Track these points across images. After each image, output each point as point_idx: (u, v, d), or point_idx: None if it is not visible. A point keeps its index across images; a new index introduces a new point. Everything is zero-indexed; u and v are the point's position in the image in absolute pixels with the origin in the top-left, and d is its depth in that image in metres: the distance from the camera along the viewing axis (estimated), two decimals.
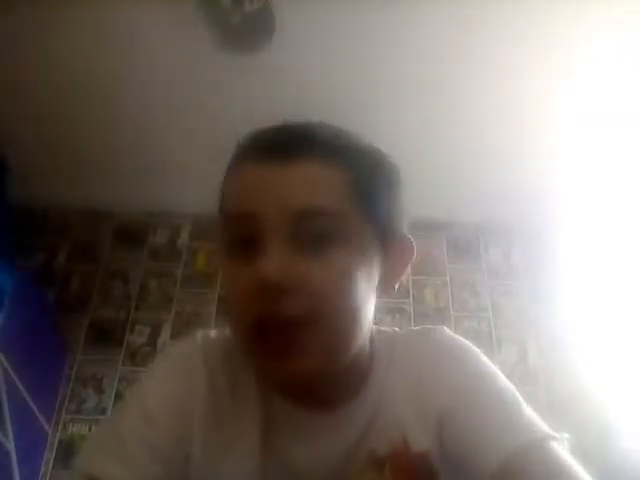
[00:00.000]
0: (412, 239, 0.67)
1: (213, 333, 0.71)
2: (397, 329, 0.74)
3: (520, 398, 0.63)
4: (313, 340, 0.56)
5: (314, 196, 0.57)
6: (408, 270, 0.67)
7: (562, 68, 1.99)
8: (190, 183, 2.54)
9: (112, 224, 2.75)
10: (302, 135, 0.60)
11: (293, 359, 0.56)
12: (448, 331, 0.71)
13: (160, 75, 2.07)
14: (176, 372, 0.67)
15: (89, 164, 2.47)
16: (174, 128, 2.26)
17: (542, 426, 0.60)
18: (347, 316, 0.58)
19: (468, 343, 0.69)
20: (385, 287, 0.64)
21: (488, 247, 2.77)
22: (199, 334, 0.71)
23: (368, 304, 0.61)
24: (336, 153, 0.59)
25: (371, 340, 0.69)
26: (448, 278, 2.68)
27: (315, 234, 0.56)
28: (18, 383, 1.99)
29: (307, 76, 2.05)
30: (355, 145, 0.63)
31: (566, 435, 2.13)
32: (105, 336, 2.47)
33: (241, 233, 0.58)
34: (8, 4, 1.81)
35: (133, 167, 2.49)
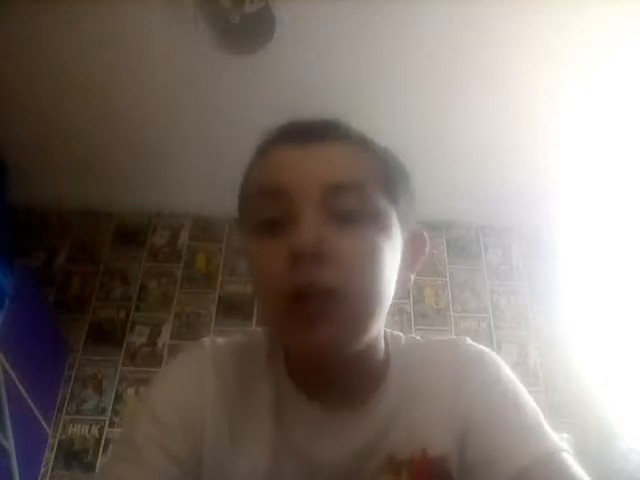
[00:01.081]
0: (426, 235, 0.69)
1: (221, 338, 0.72)
2: (418, 337, 0.75)
3: (538, 410, 0.63)
4: (341, 312, 0.56)
5: (350, 172, 0.59)
6: (421, 265, 0.69)
7: (562, 69, 1.99)
8: (190, 183, 2.55)
9: (112, 224, 2.75)
10: (337, 124, 0.63)
11: (320, 328, 0.56)
12: (470, 341, 0.71)
13: (160, 75, 2.07)
14: (184, 377, 0.67)
15: (89, 165, 2.47)
16: (174, 129, 2.26)
17: (555, 439, 0.60)
18: (373, 291, 0.59)
19: (490, 352, 0.70)
20: (401, 281, 0.65)
21: (488, 247, 2.77)
22: (206, 339, 0.71)
23: (391, 287, 0.62)
24: (368, 143, 0.63)
25: (385, 340, 0.70)
26: (448, 278, 2.68)
27: (348, 209, 0.58)
28: (18, 383, 1.99)
29: (307, 76, 2.05)
30: (378, 142, 0.66)
31: (566, 435, 2.13)
32: (105, 336, 2.47)
33: (271, 211, 0.59)
34: (6, 4, 1.82)
35: (133, 168, 2.49)
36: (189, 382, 0.66)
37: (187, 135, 2.30)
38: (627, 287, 2.35)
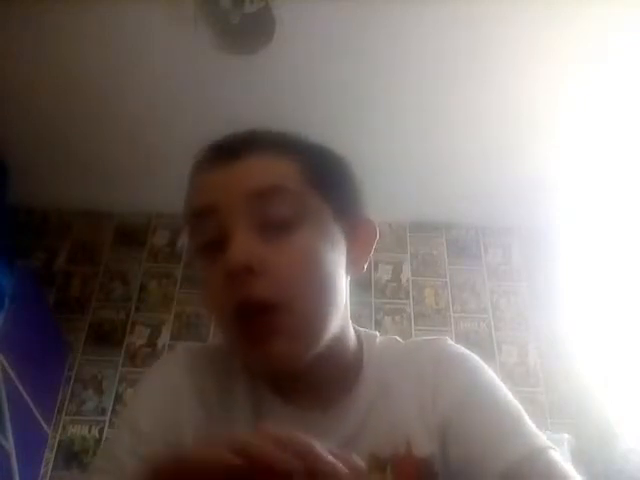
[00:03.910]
0: (374, 221, 0.69)
1: (196, 344, 0.72)
2: (399, 339, 0.75)
3: (521, 409, 0.64)
4: (288, 323, 0.58)
5: (267, 177, 0.60)
6: (372, 251, 0.69)
7: (562, 69, 1.99)
8: None
9: (112, 225, 2.75)
10: (249, 137, 0.64)
11: (270, 342, 0.57)
12: (451, 341, 0.72)
13: (160, 75, 2.07)
14: (160, 386, 0.67)
15: (89, 165, 2.47)
16: (174, 128, 2.26)
17: (542, 437, 0.61)
18: (318, 296, 0.60)
19: (471, 353, 0.70)
20: (353, 269, 0.66)
21: (488, 248, 2.77)
22: (180, 346, 0.72)
23: (338, 284, 0.63)
24: (283, 148, 0.63)
25: (359, 338, 0.70)
26: (448, 279, 2.67)
27: (277, 216, 0.59)
28: (18, 384, 1.99)
29: (307, 76, 2.05)
30: (301, 142, 0.66)
31: (566, 435, 2.13)
32: (105, 337, 2.47)
33: (207, 233, 0.61)
34: (7, 4, 1.82)
35: (133, 168, 2.49)
36: (165, 390, 0.66)
37: (187, 135, 2.29)
38: (627, 287, 2.35)
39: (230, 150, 0.62)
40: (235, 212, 0.59)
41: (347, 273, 0.66)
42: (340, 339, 0.66)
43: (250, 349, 0.59)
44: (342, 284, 0.64)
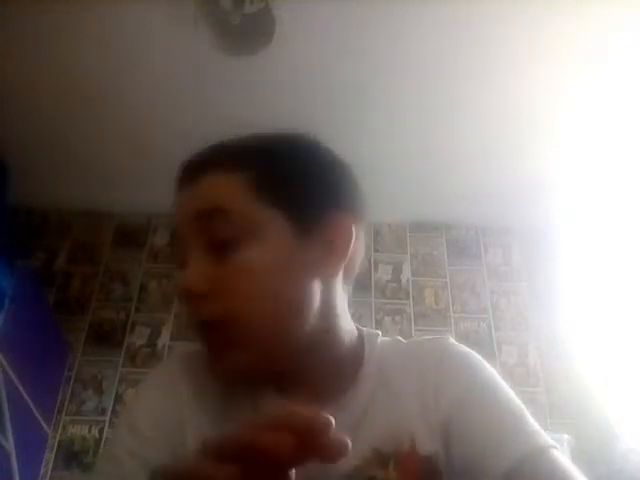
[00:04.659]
0: (347, 220, 0.65)
1: (196, 344, 0.73)
2: (401, 338, 0.75)
3: (523, 408, 0.64)
4: (246, 337, 0.60)
5: (209, 198, 0.62)
6: (355, 249, 0.65)
7: (562, 69, 1.99)
8: None
9: (112, 225, 2.75)
10: (207, 155, 0.66)
11: (229, 357, 0.61)
12: (453, 340, 0.72)
13: (160, 76, 2.07)
14: (159, 388, 0.68)
15: (90, 165, 2.47)
16: (174, 128, 2.26)
17: (544, 436, 0.61)
18: (271, 308, 0.61)
19: (473, 352, 0.70)
20: (329, 271, 0.64)
21: (488, 248, 2.77)
22: (180, 347, 0.74)
23: (299, 291, 0.62)
24: (236, 162, 0.63)
25: (360, 337, 0.71)
26: (448, 279, 2.68)
27: (220, 236, 0.60)
28: (18, 383, 1.99)
29: (307, 76, 2.05)
30: (259, 147, 0.66)
31: (566, 436, 2.13)
32: (105, 337, 2.47)
33: (179, 252, 0.65)
34: (7, 4, 1.82)
35: (133, 168, 2.49)
36: (165, 391, 0.67)
37: (187, 135, 2.29)
38: (627, 287, 2.35)
39: (189, 171, 0.65)
40: (187, 235, 0.63)
41: (323, 275, 0.64)
42: (328, 335, 0.66)
43: (212, 362, 0.63)
44: (305, 289, 0.62)
